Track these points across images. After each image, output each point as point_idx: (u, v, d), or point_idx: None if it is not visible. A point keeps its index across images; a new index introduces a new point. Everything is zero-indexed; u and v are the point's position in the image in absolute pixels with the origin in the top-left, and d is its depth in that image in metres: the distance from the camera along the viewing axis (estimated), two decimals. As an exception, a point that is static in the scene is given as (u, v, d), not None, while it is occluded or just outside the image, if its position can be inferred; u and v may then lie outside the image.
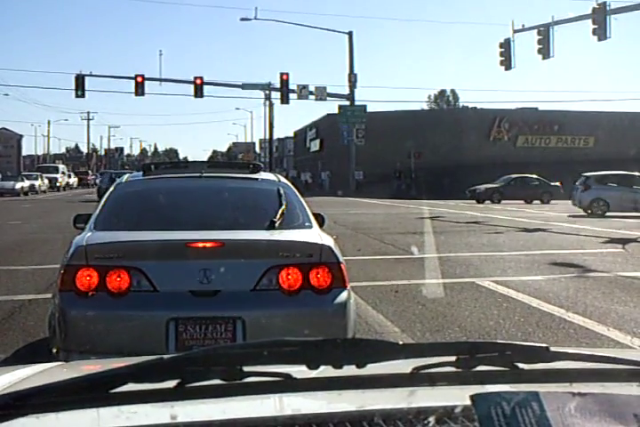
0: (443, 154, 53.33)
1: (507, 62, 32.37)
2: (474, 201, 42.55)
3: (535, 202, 42.46)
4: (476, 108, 60.21)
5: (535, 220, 24.89)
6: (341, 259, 5.33)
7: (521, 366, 1.57)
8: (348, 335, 5.15)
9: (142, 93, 47.83)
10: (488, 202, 42.19)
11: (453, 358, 1.55)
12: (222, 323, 4.96)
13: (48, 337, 5.38)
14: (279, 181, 6.59)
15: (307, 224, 5.81)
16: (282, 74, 48.87)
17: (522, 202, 41.90)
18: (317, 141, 69.60)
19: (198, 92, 48.00)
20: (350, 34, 55.78)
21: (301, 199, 6.20)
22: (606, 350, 3.11)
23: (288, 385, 1.53)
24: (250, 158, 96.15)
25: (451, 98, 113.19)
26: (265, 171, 7.32)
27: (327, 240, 5.41)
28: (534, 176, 44.43)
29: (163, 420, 1.40)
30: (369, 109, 54.87)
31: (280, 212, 5.69)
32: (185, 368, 1.47)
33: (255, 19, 52.60)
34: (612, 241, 17.03)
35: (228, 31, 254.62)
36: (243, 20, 53.33)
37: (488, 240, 17.21)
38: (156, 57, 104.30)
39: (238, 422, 1.35)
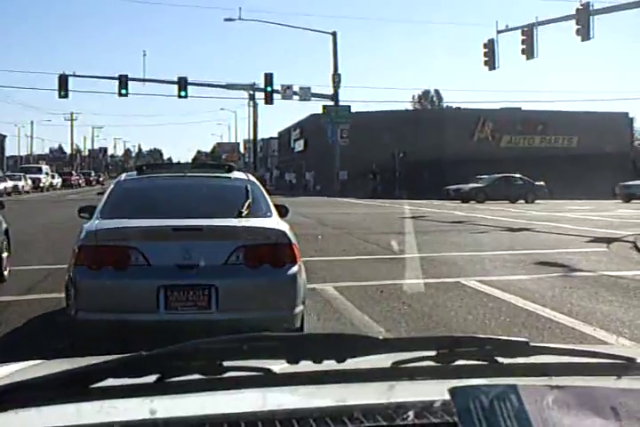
0: (427, 154, 53.43)
1: (490, 62, 32.46)
2: (459, 200, 42.63)
3: (520, 201, 42.52)
4: (460, 108, 60.29)
5: (519, 219, 24.93)
6: (294, 240, 6.72)
7: (501, 360, 1.58)
8: (298, 298, 6.57)
9: (126, 94, 47.74)
10: (473, 201, 42.26)
11: (433, 353, 1.57)
12: (200, 289, 6.37)
13: (65, 300, 6.72)
14: (248, 179, 7.99)
15: (268, 214, 7.21)
16: (266, 74, 48.81)
17: (506, 201, 41.99)
18: (302, 142, 69.56)
19: (182, 93, 47.85)
20: (334, 34, 55.74)
21: (265, 194, 7.65)
22: (585, 346, 3.19)
23: (268, 380, 1.54)
24: (234, 159, 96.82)
25: (435, 98, 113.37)
26: (239, 171, 8.73)
27: (283, 226, 6.86)
28: (518, 176, 44.55)
29: (142, 415, 1.40)
30: (353, 110, 54.93)
31: (247, 204, 7.12)
32: (164, 363, 1.49)
33: (239, 19, 52.51)
34: (597, 240, 17.06)
35: (213, 31, 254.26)
36: (227, 20, 53.20)
37: (472, 240, 17.22)
38: (139, 57, 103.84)
39: (218, 417, 1.34)
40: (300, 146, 70.49)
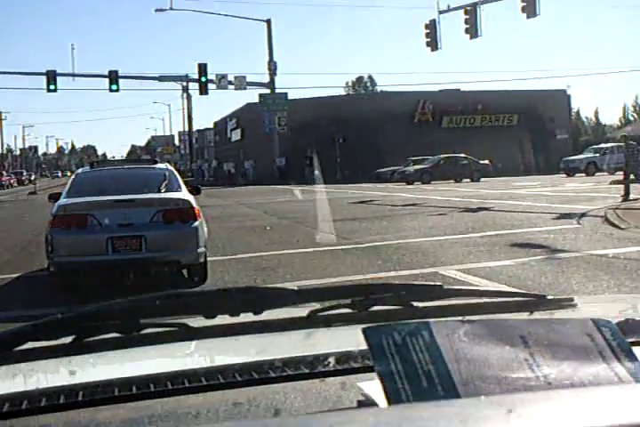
0: (367, 138, 52.54)
1: (433, 44, 31.44)
2: (404, 182, 41.73)
3: (465, 180, 41.76)
4: (399, 92, 59.21)
5: (473, 199, 23.97)
6: (195, 205, 9.70)
7: (416, 304, 1.66)
8: (200, 242, 9.43)
9: (55, 90, 45.94)
10: (418, 183, 41.38)
11: (348, 301, 1.65)
12: (134, 238, 9.24)
13: (45, 251, 9.46)
14: (167, 168, 11.17)
15: (178, 190, 10.22)
16: (200, 64, 47.13)
17: (452, 181, 41.18)
18: (239, 131, 68.11)
19: (113, 86, 46.08)
20: (269, 21, 54.57)
21: (178, 177, 10.71)
22: (500, 287, 3.13)
23: (186, 335, 1.57)
24: (169, 151, 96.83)
25: (368, 84, 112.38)
26: (162, 163, 12.20)
27: (188, 197, 9.89)
28: (463, 155, 43.92)
29: (62, 376, 1.45)
30: (290, 97, 53.63)
31: (164, 184, 10.18)
32: (81, 324, 1.55)
33: (170, 9, 50.99)
34: (563, 217, 16.08)
35: (143, 22, 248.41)
36: (157, 10, 51.62)
37: (434, 223, 16.05)
38: (68, 51, 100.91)
39: (142, 378, 1.31)
40: (237, 135, 69.01)
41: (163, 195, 9.92)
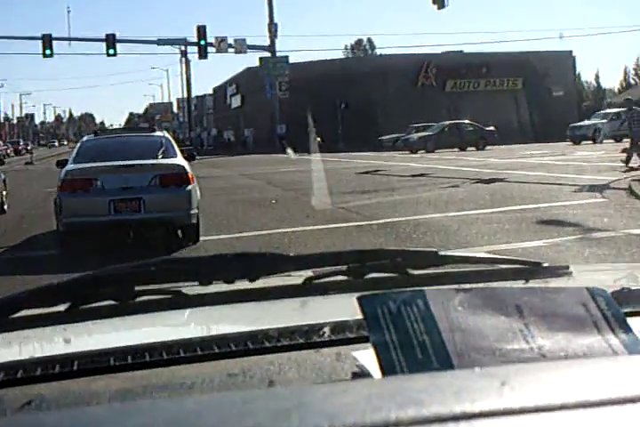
0: (370, 103, 51.36)
1: (440, 1, 30.33)
2: (407, 151, 40.69)
3: (470, 149, 40.70)
4: (402, 54, 57.78)
5: (483, 168, 23.15)
6: (189, 170, 10.64)
7: (411, 271, 1.67)
8: (193, 204, 10.33)
9: (51, 55, 45.21)
10: (422, 151, 40.32)
11: (344, 268, 1.65)
12: (134, 200, 10.19)
13: (54, 213, 10.66)
14: (164, 135, 11.97)
15: (174, 156, 11.00)
16: (199, 27, 46.07)
17: (456, 149, 40.14)
18: (238, 97, 66.95)
19: (111, 50, 45.10)
20: (267, -19, 52.97)
21: (174, 144, 11.51)
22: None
23: (181, 302, 1.56)
24: (167, 119, 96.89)
25: (367, 47, 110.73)
26: (160, 131, 13.09)
27: (183, 163, 10.81)
28: (468, 122, 42.75)
29: (57, 343, 1.47)
30: (291, 60, 52.40)
31: (161, 150, 10.93)
32: (76, 291, 1.54)
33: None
34: (583, 189, 15.27)
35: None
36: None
37: (449, 196, 15.22)
38: (64, 15, 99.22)
39: (135, 348, 1.31)
40: (236, 102, 67.85)
41: (159, 161, 10.76)
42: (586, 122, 44.84)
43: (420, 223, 11.28)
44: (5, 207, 16.20)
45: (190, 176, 10.50)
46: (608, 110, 45.80)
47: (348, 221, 12.08)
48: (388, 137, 46.95)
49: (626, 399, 0.78)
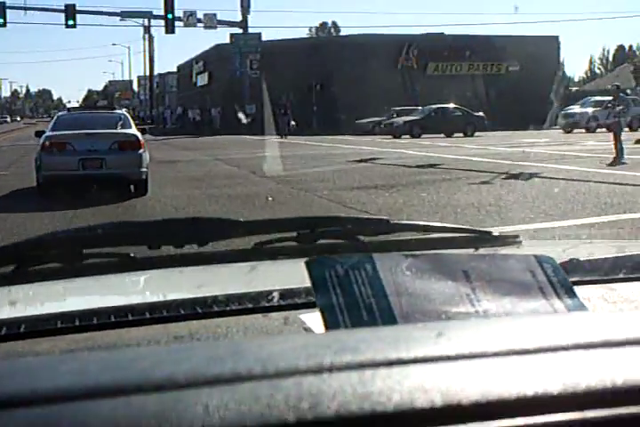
0: (346, 85, 48.33)
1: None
2: (390, 136, 37.68)
3: (457, 135, 37.82)
4: (381, 34, 54.70)
5: (497, 159, 20.22)
6: (140, 137, 14.38)
7: (362, 238, 1.68)
8: (143, 164, 13.78)
9: (4, 24, 43.22)
10: (406, 136, 37.34)
11: (294, 234, 1.64)
12: (98, 160, 13.67)
13: (35, 168, 14.00)
14: (122, 113, 16.59)
15: (130, 128, 14.85)
16: (166, -1, 42.69)
17: (442, 135, 37.19)
18: (205, 75, 63.44)
19: (70, 21, 42.12)
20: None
21: (130, 119, 15.62)
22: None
23: (128, 265, 1.56)
24: (127, 97, 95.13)
25: (332, 30, 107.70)
26: (119, 109, 19.55)
27: (136, 133, 14.59)
28: (456, 106, 39.88)
29: (1, 305, 1.41)
30: (264, 38, 49.13)
31: (119, 123, 14.81)
32: (23, 253, 1.53)
33: None
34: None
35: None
36: None
37: (495, 198, 11.81)
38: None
39: (82, 311, 1.30)
40: (203, 80, 64.30)
41: (118, 130, 14.46)
42: (577, 109, 42.10)
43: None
44: None
45: (142, 143, 14.20)
46: (598, 98, 42.95)
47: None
48: (366, 120, 44.12)
49: (558, 347, 0.79)
